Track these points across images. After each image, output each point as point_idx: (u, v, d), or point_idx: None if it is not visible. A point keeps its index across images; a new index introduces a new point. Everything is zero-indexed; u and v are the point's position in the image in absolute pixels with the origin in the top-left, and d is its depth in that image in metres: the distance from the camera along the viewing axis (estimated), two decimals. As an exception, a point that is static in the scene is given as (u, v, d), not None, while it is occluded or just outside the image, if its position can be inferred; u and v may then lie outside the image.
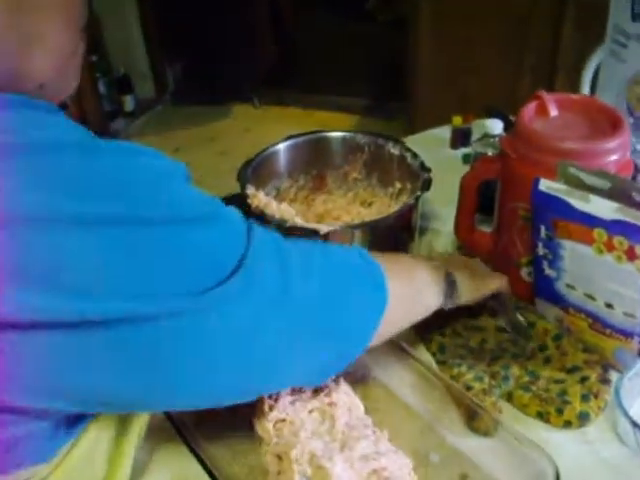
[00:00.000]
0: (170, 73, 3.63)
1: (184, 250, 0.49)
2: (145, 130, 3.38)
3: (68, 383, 0.48)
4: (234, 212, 0.57)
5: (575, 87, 1.57)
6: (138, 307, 0.46)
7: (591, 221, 0.71)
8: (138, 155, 0.51)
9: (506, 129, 1.04)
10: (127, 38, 3.38)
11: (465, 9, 2.24)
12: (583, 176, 0.73)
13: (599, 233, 0.71)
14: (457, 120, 1.25)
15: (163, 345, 0.49)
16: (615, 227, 0.69)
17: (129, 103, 3.43)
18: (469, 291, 0.78)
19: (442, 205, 1.11)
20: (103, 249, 0.45)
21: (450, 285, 0.75)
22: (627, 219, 0.68)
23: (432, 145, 1.30)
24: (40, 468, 0.53)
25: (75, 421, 0.56)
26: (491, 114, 1.16)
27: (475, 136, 1.25)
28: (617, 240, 0.70)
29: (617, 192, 0.71)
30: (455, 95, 2.24)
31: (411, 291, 0.70)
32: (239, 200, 0.90)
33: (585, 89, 1.33)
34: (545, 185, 0.74)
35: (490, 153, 1.04)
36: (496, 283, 0.82)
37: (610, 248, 0.71)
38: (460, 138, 1.26)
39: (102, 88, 3.29)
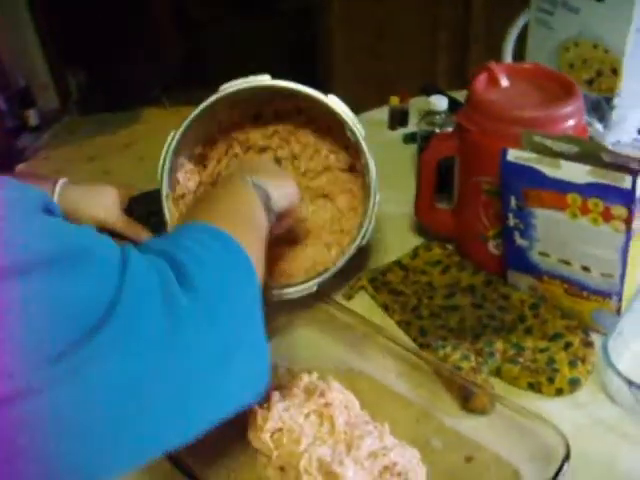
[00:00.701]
0: (73, 81, 3.49)
1: (29, 309, 0.40)
2: (54, 143, 3.23)
3: None
4: (104, 245, 0.47)
5: (491, 58, 1.59)
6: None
7: (564, 187, 0.71)
8: None
9: (450, 106, 1.03)
10: (23, 48, 3.23)
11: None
12: (549, 143, 0.73)
13: (573, 198, 0.71)
14: (394, 100, 1.24)
15: (21, 433, 0.40)
16: (589, 190, 0.70)
17: (33, 117, 3.27)
18: (280, 197, 0.70)
19: (390, 187, 1.10)
20: None
21: (266, 199, 0.68)
22: (600, 180, 0.68)
23: (369, 128, 1.28)
24: None
25: None
26: (429, 92, 1.15)
27: (414, 116, 1.25)
28: (592, 203, 0.70)
29: (586, 155, 0.70)
30: (372, 79, 2.24)
31: (256, 239, 0.62)
32: (151, 198, 0.86)
33: (507, 58, 1.34)
34: (514, 155, 0.73)
35: (437, 130, 1.03)
36: (294, 185, 0.75)
37: (585, 211, 0.71)
38: (398, 118, 1.25)
39: (2, 104, 3.13)
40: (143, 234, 0.88)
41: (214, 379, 0.49)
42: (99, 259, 0.45)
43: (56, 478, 0.42)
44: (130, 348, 0.43)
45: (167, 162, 0.82)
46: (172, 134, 0.82)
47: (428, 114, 1.05)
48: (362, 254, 0.94)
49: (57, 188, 0.85)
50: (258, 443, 0.68)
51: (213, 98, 0.80)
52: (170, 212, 0.84)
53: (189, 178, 0.89)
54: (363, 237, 0.81)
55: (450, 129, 1.01)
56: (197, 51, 3.52)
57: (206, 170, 0.91)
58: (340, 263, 0.82)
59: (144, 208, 0.89)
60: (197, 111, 0.81)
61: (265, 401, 0.71)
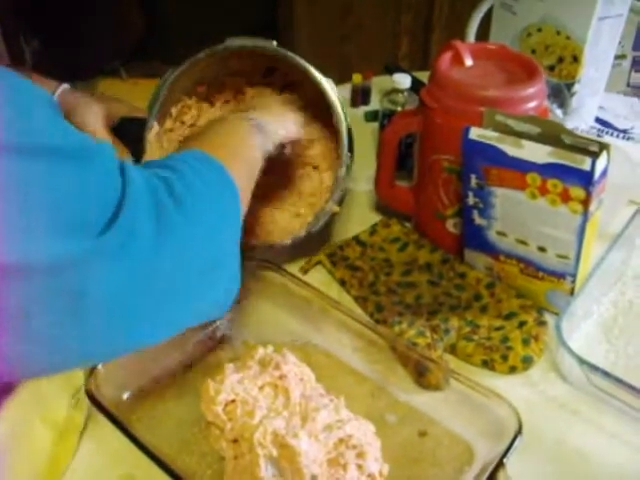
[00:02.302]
0: (28, 50, 3.39)
1: (55, 192, 0.42)
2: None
3: None
4: (108, 150, 0.49)
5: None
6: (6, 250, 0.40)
7: (524, 166, 0.71)
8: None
9: (413, 85, 1.03)
10: (-25, 14, 3.12)
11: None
12: (511, 122, 0.73)
13: (532, 177, 0.71)
14: (357, 78, 1.23)
15: (33, 306, 0.42)
16: (549, 170, 0.70)
17: (-17, 84, 3.17)
18: (278, 128, 0.75)
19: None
20: None
21: (261, 131, 0.71)
22: (561, 161, 0.69)
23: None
24: None
25: None
26: (392, 71, 1.15)
27: (376, 94, 1.24)
28: (551, 183, 0.71)
29: (547, 136, 0.71)
30: (335, 60, 2.22)
31: (246, 173, 0.66)
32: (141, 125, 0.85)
33: (470, 42, 1.34)
34: (476, 133, 0.73)
35: (399, 108, 1.03)
36: (294, 117, 0.80)
37: (544, 192, 0.72)
38: (360, 96, 1.24)
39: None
40: (125, 157, 0.87)
41: (193, 288, 0.54)
42: (103, 159, 0.47)
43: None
44: (129, 254, 0.46)
45: (160, 95, 0.83)
46: (170, 70, 0.82)
47: (391, 92, 1.05)
48: (319, 229, 0.94)
49: (58, 90, 0.86)
50: (211, 415, 0.67)
51: (220, 47, 0.81)
52: (150, 144, 0.85)
53: (185, 112, 0.89)
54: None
55: (413, 107, 1.01)
56: (155, 24, 3.45)
57: (212, 108, 0.91)
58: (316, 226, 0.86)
59: (133, 133, 0.87)
60: (202, 54, 0.81)
61: (218, 373, 0.70)
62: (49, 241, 0.41)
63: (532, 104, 0.79)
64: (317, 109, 0.85)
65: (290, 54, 0.81)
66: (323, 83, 0.81)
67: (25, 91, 0.44)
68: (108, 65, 3.32)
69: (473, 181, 0.77)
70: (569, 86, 1.10)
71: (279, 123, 0.75)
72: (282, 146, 0.77)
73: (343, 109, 0.82)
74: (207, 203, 0.56)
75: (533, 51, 1.13)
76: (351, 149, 0.83)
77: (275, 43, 0.81)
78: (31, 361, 0.46)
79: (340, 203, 0.86)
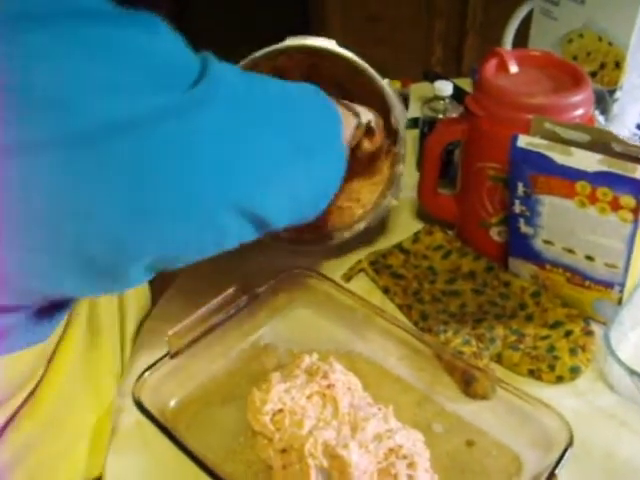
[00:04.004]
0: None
1: (148, 49, 0.46)
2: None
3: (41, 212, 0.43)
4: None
5: (487, 48, 1.59)
6: (115, 108, 0.42)
7: (573, 174, 0.71)
8: None
9: (455, 92, 1.03)
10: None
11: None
12: (560, 130, 0.72)
13: (582, 186, 0.71)
14: (396, 85, 1.23)
15: (145, 153, 0.45)
16: (599, 179, 0.69)
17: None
18: (363, 111, 0.78)
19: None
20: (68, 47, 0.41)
21: (348, 107, 0.75)
22: (611, 170, 0.68)
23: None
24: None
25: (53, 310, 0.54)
26: (431, 78, 1.14)
27: (414, 101, 1.24)
28: (601, 192, 0.70)
29: (596, 144, 0.70)
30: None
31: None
32: None
33: (507, 48, 1.33)
34: (524, 141, 0.73)
35: (440, 116, 1.02)
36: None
37: (593, 200, 0.71)
38: (399, 104, 1.24)
39: None
40: None
41: (284, 158, 0.56)
42: (175, 33, 0.50)
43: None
44: (222, 99, 0.49)
45: None
46: None
47: (432, 99, 1.05)
48: (362, 236, 0.94)
49: None
50: (258, 425, 0.67)
51: (279, 46, 0.82)
52: None
53: None
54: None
55: (454, 115, 1.00)
56: (185, 17, 3.45)
57: None
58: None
59: None
60: (261, 53, 0.82)
61: (263, 381, 0.71)
62: (152, 95, 0.44)
63: (579, 112, 0.78)
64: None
65: (350, 54, 0.82)
66: (380, 81, 0.83)
67: None
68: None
69: (520, 189, 0.76)
70: (611, 92, 1.09)
71: (364, 109, 0.78)
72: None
73: (402, 109, 0.84)
74: (286, 84, 0.62)
75: (574, 57, 1.12)
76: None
77: (334, 42, 0.82)
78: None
79: (396, 197, 0.88)
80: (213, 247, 0.55)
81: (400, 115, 0.83)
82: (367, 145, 0.81)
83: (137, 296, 0.82)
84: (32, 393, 0.58)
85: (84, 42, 0.42)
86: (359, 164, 0.90)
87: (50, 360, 0.59)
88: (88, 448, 0.67)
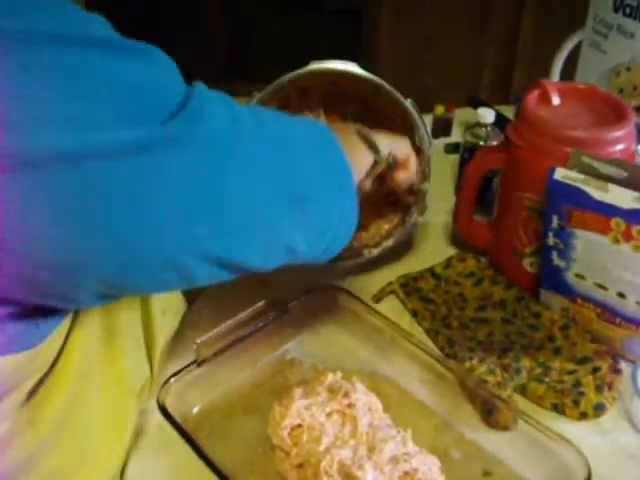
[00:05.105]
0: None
1: (120, 79, 0.44)
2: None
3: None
4: (167, 57, 0.50)
5: (536, 77, 1.58)
6: (80, 138, 0.41)
7: (609, 210, 0.70)
8: None
9: (496, 119, 1.03)
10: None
11: (424, 1, 2.23)
12: (597, 165, 0.72)
13: (617, 222, 0.70)
14: (439, 109, 1.23)
15: (97, 185, 0.43)
16: (634, 216, 0.69)
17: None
18: (385, 142, 0.74)
19: (428, 196, 1.10)
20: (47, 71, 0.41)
21: (366, 139, 0.71)
22: (647, 208, 0.68)
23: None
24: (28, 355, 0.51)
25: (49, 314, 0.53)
26: (475, 104, 1.15)
27: (456, 126, 1.24)
28: (636, 230, 0.69)
29: (633, 181, 0.70)
30: (414, 88, 2.23)
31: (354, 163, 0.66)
32: None
33: (555, 79, 1.33)
34: (561, 174, 0.73)
35: (482, 143, 1.02)
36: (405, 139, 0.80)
37: (628, 237, 0.70)
38: (442, 127, 1.24)
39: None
40: None
41: (264, 201, 0.52)
42: (161, 57, 0.48)
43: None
44: (196, 143, 0.46)
45: None
46: (255, 94, 0.85)
47: (474, 126, 1.05)
48: (394, 258, 0.94)
49: None
50: (277, 439, 0.68)
51: (302, 71, 0.83)
52: None
53: None
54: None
55: (495, 142, 1.01)
56: (241, 44, 3.51)
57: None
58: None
59: None
60: (285, 77, 0.83)
61: (285, 395, 0.71)
62: (114, 129, 0.42)
63: (620, 146, 0.78)
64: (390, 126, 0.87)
65: (372, 76, 0.83)
66: (404, 102, 0.83)
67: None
68: (191, 81, 3.39)
69: (555, 221, 0.76)
70: (657, 128, 1.08)
71: (387, 137, 0.75)
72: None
73: (425, 128, 0.84)
74: (289, 124, 0.58)
75: (621, 90, 1.11)
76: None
77: (355, 64, 0.82)
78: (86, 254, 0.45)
79: (422, 214, 0.89)
80: (179, 284, 0.54)
81: (424, 134, 0.83)
82: (402, 176, 0.79)
83: (172, 302, 0.82)
84: (36, 394, 0.56)
85: (51, 67, 0.41)
86: (387, 194, 0.91)
87: (56, 364, 0.58)
88: (106, 448, 0.67)
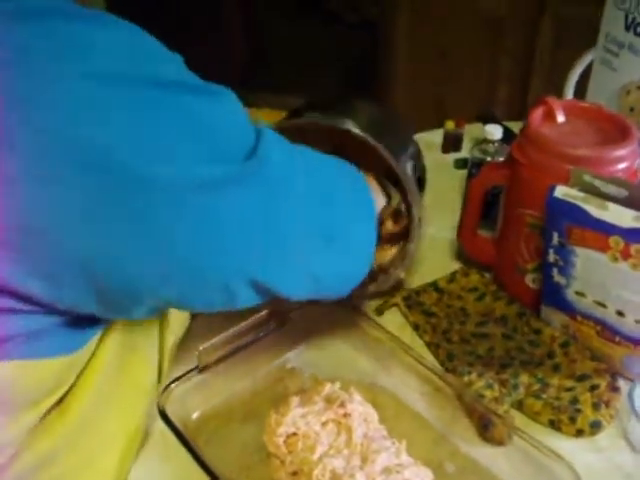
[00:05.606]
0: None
1: (212, 121, 0.50)
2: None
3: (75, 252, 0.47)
4: (235, 96, 0.55)
5: (551, 92, 1.58)
6: (155, 170, 0.46)
7: (608, 229, 0.71)
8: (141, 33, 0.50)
9: (505, 135, 1.04)
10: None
11: (440, 15, 2.24)
12: (598, 183, 0.73)
13: (615, 241, 0.71)
14: (450, 124, 1.24)
15: (186, 215, 0.48)
16: (632, 235, 0.69)
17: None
18: (395, 190, 0.78)
19: (435, 210, 1.10)
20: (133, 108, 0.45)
21: (382, 185, 0.76)
22: (645, 227, 0.68)
23: (422, 149, 1.28)
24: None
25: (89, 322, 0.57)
26: (485, 120, 1.16)
27: (467, 141, 1.25)
28: (634, 248, 0.70)
29: (634, 200, 0.70)
30: (430, 102, 2.24)
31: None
32: None
33: (569, 95, 1.33)
34: (561, 192, 0.73)
35: (489, 159, 1.03)
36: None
37: (626, 256, 0.71)
38: (452, 143, 1.25)
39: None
40: None
41: (309, 234, 0.59)
42: (231, 97, 0.54)
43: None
44: (264, 178, 0.52)
45: None
46: None
47: (482, 142, 1.06)
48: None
49: None
50: (272, 446, 0.69)
51: (300, 121, 0.82)
52: None
53: None
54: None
55: (502, 159, 1.01)
56: (259, 55, 3.54)
57: None
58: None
59: None
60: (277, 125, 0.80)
61: (283, 404, 0.72)
62: (196, 165, 0.48)
63: (622, 165, 0.79)
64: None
65: (360, 133, 0.78)
66: (397, 167, 0.78)
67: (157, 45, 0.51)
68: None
69: (555, 239, 0.76)
70: (666, 147, 1.08)
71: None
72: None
73: (416, 184, 0.83)
74: (330, 166, 0.64)
75: (631, 109, 1.12)
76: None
77: (351, 123, 0.79)
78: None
79: (405, 271, 0.86)
80: (220, 306, 0.58)
81: (415, 199, 0.79)
82: (390, 227, 0.80)
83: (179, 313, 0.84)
84: (62, 399, 0.59)
85: (141, 104, 0.46)
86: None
87: (82, 371, 0.61)
88: (116, 458, 0.67)
